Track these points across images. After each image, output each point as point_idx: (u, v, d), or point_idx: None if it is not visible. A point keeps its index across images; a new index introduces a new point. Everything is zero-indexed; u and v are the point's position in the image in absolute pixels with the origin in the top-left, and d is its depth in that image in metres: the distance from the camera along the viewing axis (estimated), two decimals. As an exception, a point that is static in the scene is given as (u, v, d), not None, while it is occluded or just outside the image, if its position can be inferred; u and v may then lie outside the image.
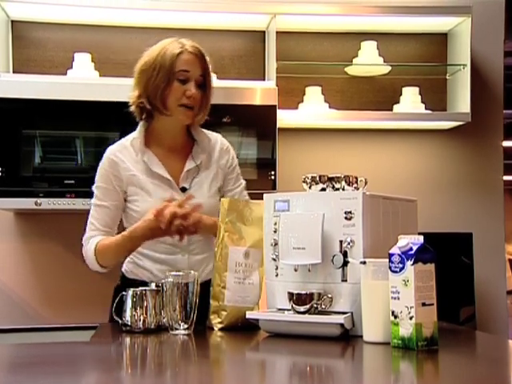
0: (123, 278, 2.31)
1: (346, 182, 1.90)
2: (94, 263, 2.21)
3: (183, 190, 2.23)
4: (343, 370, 1.58)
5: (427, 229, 2.40)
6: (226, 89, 3.09)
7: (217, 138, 2.34)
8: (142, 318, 1.93)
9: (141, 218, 2.13)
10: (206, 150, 2.28)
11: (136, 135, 2.24)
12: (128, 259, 2.30)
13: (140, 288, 1.99)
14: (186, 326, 1.89)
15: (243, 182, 2.38)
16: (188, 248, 2.23)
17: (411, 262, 1.61)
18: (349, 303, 1.81)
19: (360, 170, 2.43)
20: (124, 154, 2.23)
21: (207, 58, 2.21)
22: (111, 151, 2.24)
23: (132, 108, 2.24)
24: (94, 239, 2.20)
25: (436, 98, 3.61)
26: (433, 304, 1.64)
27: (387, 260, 1.66)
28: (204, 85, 2.20)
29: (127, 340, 1.88)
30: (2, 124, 3.03)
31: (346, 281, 1.82)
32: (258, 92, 3.18)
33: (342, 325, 1.77)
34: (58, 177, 3.07)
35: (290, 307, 1.86)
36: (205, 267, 2.24)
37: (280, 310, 1.91)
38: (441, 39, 3.65)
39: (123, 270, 2.32)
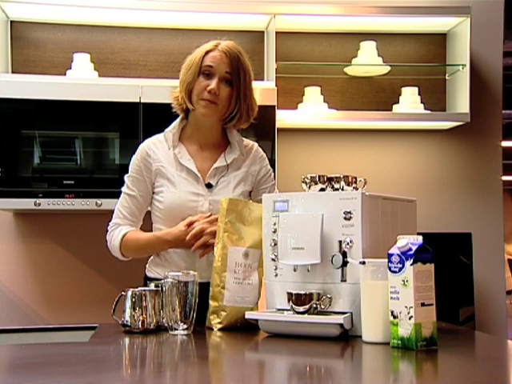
0: (146, 277, 2.33)
1: (345, 182, 1.90)
2: (117, 251, 2.26)
3: (209, 186, 2.25)
4: (342, 371, 1.58)
5: (426, 229, 2.41)
6: (225, 89, 3.09)
7: (253, 146, 2.37)
8: (141, 318, 1.93)
9: (165, 210, 2.21)
10: (238, 151, 2.30)
11: (171, 129, 2.28)
12: (152, 258, 2.33)
13: (139, 288, 1.99)
14: (185, 327, 1.89)
15: (277, 192, 2.38)
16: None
17: (410, 262, 1.62)
18: (348, 303, 1.81)
19: (359, 170, 2.44)
20: (157, 146, 2.28)
21: (242, 59, 2.21)
22: (146, 143, 2.30)
23: (173, 104, 2.29)
24: (122, 228, 2.25)
25: (435, 98, 3.62)
26: (432, 304, 1.64)
27: (386, 260, 1.66)
28: (232, 83, 2.20)
29: (126, 340, 1.88)
30: (1, 124, 3.03)
31: (345, 281, 1.82)
32: (258, 92, 3.16)
33: (341, 325, 1.77)
34: (58, 177, 3.07)
35: (289, 307, 1.86)
36: None
37: (279, 310, 1.91)
38: (440, 39, 3.65)
39: (146, 270, 2.34)
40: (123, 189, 2.29)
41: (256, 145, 2.39)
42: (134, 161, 2.28)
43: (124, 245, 2.23)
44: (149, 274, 2.31)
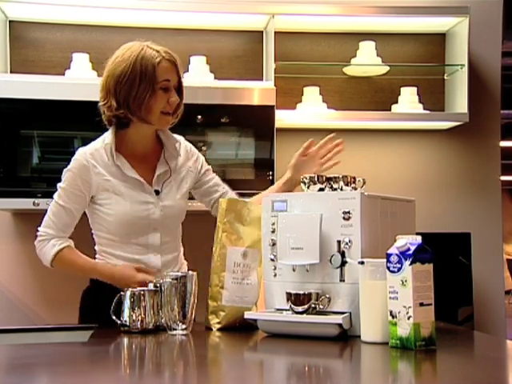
0: (93, 280, 2.31)
1: (344, 182, 1.90)
2: (46, 263, 2.24)
3: (156, 192, 2.25)
4: (341, 370, 1.58)
5: (425, 229, 2.41)
6: (224, 89, 3.09)
7: (180, 141, 2.36)
8: (140, 318, 1.93)
9: (116, 222, 2.19)
10: (175, 154, 2.31)
11: (108, 140, 2.23)
12: (98, 261, 2.29)
13: (138, 288, 1.99)
14: (184, 327, 1.89)
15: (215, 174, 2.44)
16: (160, 248, 2.26)
17: (409, 262, 1.62)
18: (347, 303, 1.81)
19: (358, 170, 2.43)
20: (96, 158, 2.22)
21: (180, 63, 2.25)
22: (82, 155, 2.23)
23: (105, 117, 2.24)
24: (55, 243, 2.21)
25: (434, 98, 3.61)
26: (431, 304, 1.64)
27: (385, 260, 1.66)
28: (179, 90, 2.23)
29: (125, 340, 1.88)
30: (0, 124, 3.03)
31: (343, 281, 1.82)
32: (257, 92, 3.18)
33: (340, 325, 1.77)
34: (56, 177, 3.04)
35: (288, 307, 1.86)
36: (174, 266, 2.30)
37: (278, 310, 1.91)
38: (439, 39, 3.65)
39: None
40: (56, 197, 2.23)
41: (182, 139, 2.38)
42: (70, 174, 2.21)
43: (57, 261, 2.22)
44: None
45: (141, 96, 2.16)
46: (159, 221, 2.23)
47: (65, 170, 2.24)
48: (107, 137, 2.24)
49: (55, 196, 2.24)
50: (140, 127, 2.23)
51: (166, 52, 2.21)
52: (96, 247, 2.32)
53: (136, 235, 2.23)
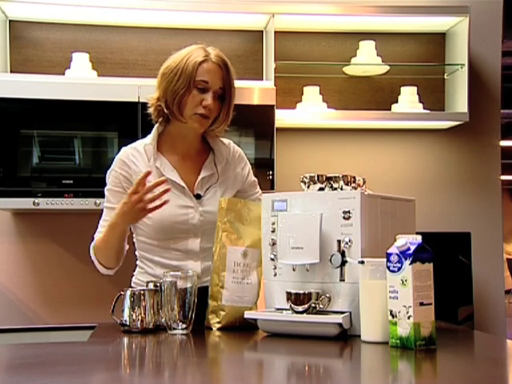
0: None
1: (344, 181, 1.90)
2: (97, 265, 2.19)
3: (198, 197, 2.19)
4: (341, 370, 1.58)
5: (425, 228, 2.41)
6: (224, 89, 3.09)
7: (229, 145, 2.31)
8: (140, 317, 1.93)
9: (154, 226, 2.14)
10: (223, 159, 2.26)
11: (149, 140, 2.20)
12: (138, 269, 2.26)
13: (138, 288, 1.99)
14: (184, 326, 1.89)
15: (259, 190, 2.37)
16: (200, 255, 2.19)
17: (409, 262, 1.62)
18: (347, 303, 1.81)
19: (358, 169, 2.44)
20: (137, 157, 2.19)
21: (231, 70, 2.17)
22: (124, 153, 2.21)
23: (150, 110, 2.21)
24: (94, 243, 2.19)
25: (434, 97, 3.62)
26: (431, 303, 1.64)
27: (385, 259, 1.66)
28: (224, 97, 2.17)
29: (125, 340, 1.88)
30: (-1, 124, 3.04)
31: (344, 280, 1.82)
32: (257, 92, 3.18)
33: (340, 324, 1.77)
34: (56, 177, 3.07)
35: (288, 307, 1.86)
36: None
37: (278, 309, 1.91)
38: (439, 39, 3.65)
39: (133, 283, 2.26)
40: (104, 203, 2.21)
41: (231, 143, 2.32)
42: (112, 173, 2.19)
43: (96, 254, 2.16)
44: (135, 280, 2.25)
45: (176, 90, 2.12)
46: (198, 226, 2.17)
47: (108, 171, 2.21)
48: (149, 137, 2.21)
49: (104, 202, 2.21)
50: (179, 125, 2.18)
51: (216, 55, 2.15)
52: (136, 252, 2.27)
53: (175, 240, 2.17)
